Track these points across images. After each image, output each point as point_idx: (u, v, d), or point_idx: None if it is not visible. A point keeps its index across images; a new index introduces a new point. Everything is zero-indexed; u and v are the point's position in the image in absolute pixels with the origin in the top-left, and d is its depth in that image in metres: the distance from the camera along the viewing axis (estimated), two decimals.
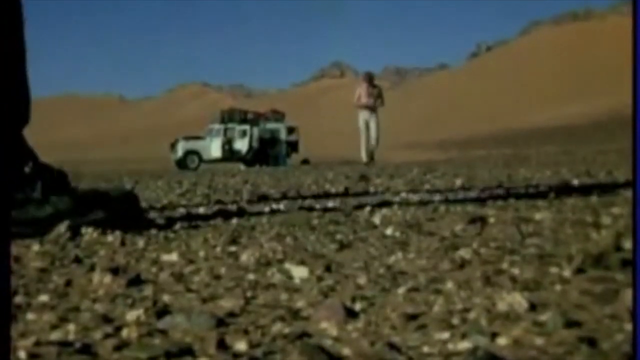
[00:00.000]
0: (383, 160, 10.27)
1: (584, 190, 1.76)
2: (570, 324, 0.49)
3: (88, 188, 1.18)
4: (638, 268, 0.53)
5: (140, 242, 0.98)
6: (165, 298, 0.63)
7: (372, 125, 10.04)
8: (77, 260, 0.84)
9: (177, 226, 1.18)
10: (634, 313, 0.47)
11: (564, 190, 1.90)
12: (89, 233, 1.05)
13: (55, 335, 0.50)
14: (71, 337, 0.49)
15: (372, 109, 10.03)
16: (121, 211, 1.13)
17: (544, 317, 0.51)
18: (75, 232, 1.05)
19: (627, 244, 0.79)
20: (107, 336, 0.49)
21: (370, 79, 10.37)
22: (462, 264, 0.75)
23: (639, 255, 0.56)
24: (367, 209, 1.45)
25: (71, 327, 0.51)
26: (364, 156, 9.87)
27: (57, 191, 1.10)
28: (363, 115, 10.12)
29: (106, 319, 0.54)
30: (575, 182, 2.44)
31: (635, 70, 0.61)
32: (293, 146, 17.38)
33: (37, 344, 0.47)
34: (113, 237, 1.02)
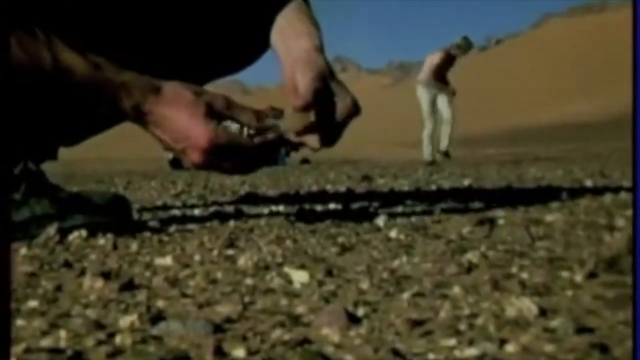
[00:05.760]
0: (387, 160, 10.13)
1: (598, 191, 1.77)
2: (582, 330, 0.49)
3: (72, 191, 1.18)
4: (639, 269, 0.54)
5: (133, 246, 0.99)
6: (160, 303, 0.63)
7: (442, 106, 7.75)
8: (67, 264, 0.85)
9: (172, 229, 1.19)
10: (635, 315, 0.48)
11: (576, 190, 1.90)
12: (79, 236, 1.05)
13: (45, 342, 0.50)
14: (62, 344, 0.50)
15: (440, 83, 7.72)
16: (107, 217, 1.13)
17: (554, 323, 0.51)
18: (64, 235, 1.05)
19: None
20: (99, 343, 0.49)
21: (467, 48, 7.84)
22: (470, 268, 0.76)
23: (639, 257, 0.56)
24: (370, 210, 1.46)
25: (62, 333, 0.51)
26: (426, 153, 7.69)
27: (38, 193, 1.10)
28: (427, 92, 7.74)
29: (98, 325, 0.54)
30: (589, 182, 2.44)
31: (636, 70, 0.61)
32: (292, 145, 17.36)
33: (27, 350, 0.47)
34: (104, 241, 1.03)
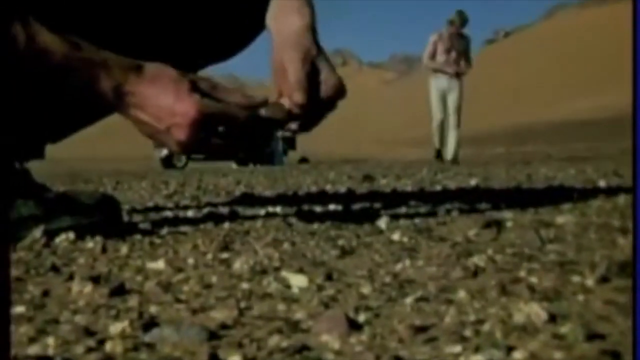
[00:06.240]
0: (390, 159, 10.12)
1: (611, 191, 1.77)
2: (593, 336, 0.50)
3: (59, 191, 1.19)
4: (638, 270, 0.54)
5: (124, 249, 0.99)
6: (152, 309, 0.64)
7: (452, 99, 7.55)
8: (55, 268, 0.85)
9: (164, 231, 1.19)
10: (634, 316, 0.48)
11: (588, 191, 1.91)
12: (66, 239, 1.06)
13: (33, 350, 0.50)
14: (51, 351, 0.50)
15: (445, 64, 7.51)
16: (96, 218, 1.13)
17: (564, 329, 0.51)
18: (51, 238, 1.05)
19: None
20: (89, 350, 0.50)
21: (461, 22, 7.52)
22: (476, 272, 0.76)
23: (639, 257, 0.57)
24: (372, 212, 1.47)
25: (50, 340, 0.52)
26: (436, 141, 7.62)
27: (23, 194, 1.10)
28: (438, 82, 7.59)
29: (88, 332, 0.55)
30: (602, 182, 2.45)
31: (635, 70, 0.62)
32: (290, 143, 17.38)
33: (15, 358, 0.47)
34: (93, 243, 1.03)
